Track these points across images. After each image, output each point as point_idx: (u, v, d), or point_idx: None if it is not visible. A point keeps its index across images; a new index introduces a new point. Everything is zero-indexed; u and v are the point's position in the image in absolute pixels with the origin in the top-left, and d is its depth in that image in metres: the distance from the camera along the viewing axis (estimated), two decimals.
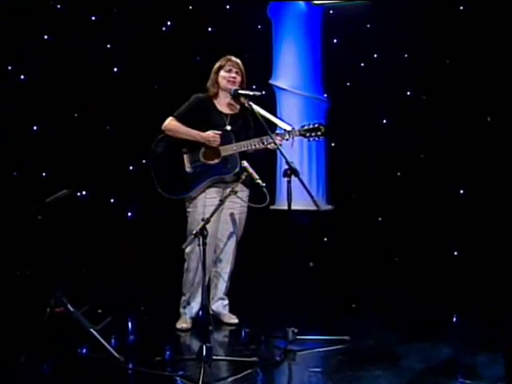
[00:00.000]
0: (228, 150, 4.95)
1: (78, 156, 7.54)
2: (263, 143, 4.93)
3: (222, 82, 5.11)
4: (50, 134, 7.54)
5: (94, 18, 7.89)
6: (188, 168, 4.99)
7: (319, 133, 5.00)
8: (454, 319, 5.70)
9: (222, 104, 5.15)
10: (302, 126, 5.01)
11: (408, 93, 8.03)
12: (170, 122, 5.03)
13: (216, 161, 4.97)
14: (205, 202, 4.94)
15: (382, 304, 6.01)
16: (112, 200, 8.07)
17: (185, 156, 5.01)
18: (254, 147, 4.97)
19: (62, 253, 6.86)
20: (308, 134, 4.99)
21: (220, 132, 4.95)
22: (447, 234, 7.43)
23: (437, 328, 5.26)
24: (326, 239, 8.13)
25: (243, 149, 4.95)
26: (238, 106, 5.18)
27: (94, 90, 7.66)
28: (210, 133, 4.94)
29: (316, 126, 5.00)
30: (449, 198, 7.59)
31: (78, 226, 7.26)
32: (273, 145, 4.88)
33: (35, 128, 7.64)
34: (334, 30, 8.30)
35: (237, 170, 4.85)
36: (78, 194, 7.68)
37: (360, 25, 8.10)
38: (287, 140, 4.98)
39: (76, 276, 6.54)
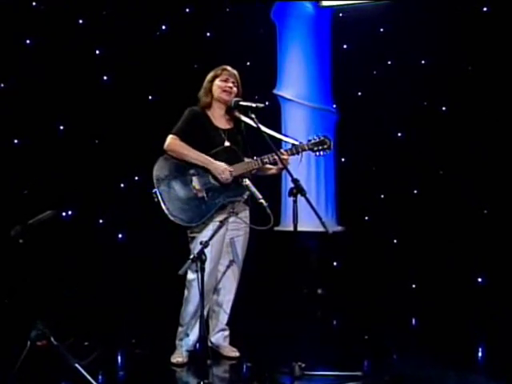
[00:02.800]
0: (239, 169, 4.94)
1: (63, 172, 7.53)
2: (273, 160, 4.91)
3: (217, 92, 5.10)
4: (32, 148, 7.51)
5: (81, 22, 7.91)
6: (200, 192, 4.92)
7: (325, 146, 5.03)
8: (480, 353, 5.66)
9: (217, 117, 5.14)
10: (309, 140, 5.04)
11: (425, 103, 8.02)
12: (174, 142, 4.98)
13: (228, 182, 4.95)
14: (213, 225, 4.85)
15: (397, 335, 5.97)
16: (101, 221, 8.05)
17: (193, 179, 4.96)
18: (264, 165, 4.98)
19: (44, 280, 6.83)
20: (315, 149, 5.02)
21: (232, 168, 4.93)
22: (470, 258, 7.40)
23: (459, 361, 5.22)
24: (335, 264, 8.10)
25: (254, 167, 4.96)
26: (232, 120, 5.18)
27: (81, 100, 7.67)
28: (223, 165, 4.92)
29: (321, 138, 5.04)
30: (471, 218, 7.56)
31: (63, 250, 7.24)
32: (279, 165, 4.91)
33: (16, 141, 7.62)
34: (344, 35, 8.29)
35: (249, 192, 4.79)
36: (63, 214, 7.66)
37: (373, 28, 8.11)
38: (295, 155, 4.98)
39: (60, 305, 6.51)
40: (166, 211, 4.89)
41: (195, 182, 4.95)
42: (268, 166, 5.05)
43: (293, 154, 4.98)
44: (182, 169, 4.98)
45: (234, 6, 8.26)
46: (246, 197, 4.71)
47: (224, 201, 4.92)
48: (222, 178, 4.90)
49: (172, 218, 4.88)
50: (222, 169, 4.90)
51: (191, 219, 4.90)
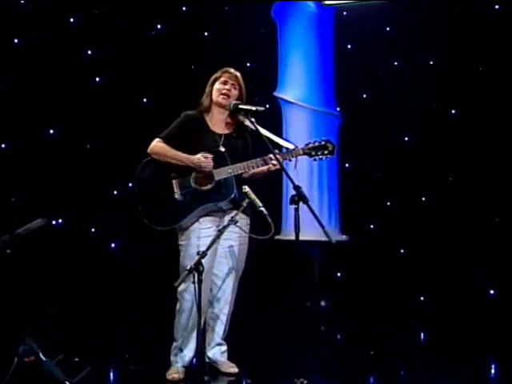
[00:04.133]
0: (222, 173, 4.91)
1: (53, 179, 7.50)
2: (262, 164, 4.88)
3: (215, 95, 5.10)
4: (20, 153, 7.49)
5: (72, 20, 7.89)
6: (177, 195, 4.94)
7: (326, 151, 4.98)
8: (492, 369, 5.63)
9: (216, 122, 5.13)
10: (307, 144, 4.98)
11: (434, 106, 8.00)
12: (157, 145, 5.02)
13: (209, 186, 4.93)
14: (199, 233, 4.88)
15: (405, 350, 5.94)
16: (93, 229, 8.02)
17: (174, 182, 4.97)
18: (252, 169, 4.93)
19: (33, 292, 6.80)
20: (313, 153, 4.96)
21: (211, 155, 4.92)
22: (481, 269, 7.38)
23: (469, 377, 5.19)
24: (339, 274, 8.07)
25: (240, 171, 4.92)
26: (233, 125, 5.15)
27: (72, 102, 7.65)
28: (200, 156, 4.91)
29: (323, 143, 4.98)
30: (482, 227, 7.53)
31: (53, 261, 7.21)
32: (276, 166, 4.85)
33: (3, 146, 7.60)
34: (347, 34, 8.30)
35: (232, 196, 4.82)
36: (54, 222, 7.63)
37: (378, 28, 8.09)
38: (290, 160, 4.95)
39: (49, 319, 6.47)
40: (141, 213, 4.96)
41: (175, 185, 4.96)
42: (259, 169, 5.00)
43: (285, 159, 4.93)
44: (163, 171, 4.99)
45: (233, 4, 8.24)
46: (231, 201, 4.78)
47: (203, 205, 4.90)
48: (201, 165, 4.87)
49: (145, 221, 4.95)
50: (201, 160, 4.87)
51: (164, 222, 4.96)
